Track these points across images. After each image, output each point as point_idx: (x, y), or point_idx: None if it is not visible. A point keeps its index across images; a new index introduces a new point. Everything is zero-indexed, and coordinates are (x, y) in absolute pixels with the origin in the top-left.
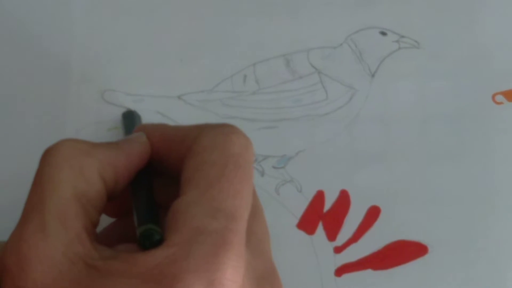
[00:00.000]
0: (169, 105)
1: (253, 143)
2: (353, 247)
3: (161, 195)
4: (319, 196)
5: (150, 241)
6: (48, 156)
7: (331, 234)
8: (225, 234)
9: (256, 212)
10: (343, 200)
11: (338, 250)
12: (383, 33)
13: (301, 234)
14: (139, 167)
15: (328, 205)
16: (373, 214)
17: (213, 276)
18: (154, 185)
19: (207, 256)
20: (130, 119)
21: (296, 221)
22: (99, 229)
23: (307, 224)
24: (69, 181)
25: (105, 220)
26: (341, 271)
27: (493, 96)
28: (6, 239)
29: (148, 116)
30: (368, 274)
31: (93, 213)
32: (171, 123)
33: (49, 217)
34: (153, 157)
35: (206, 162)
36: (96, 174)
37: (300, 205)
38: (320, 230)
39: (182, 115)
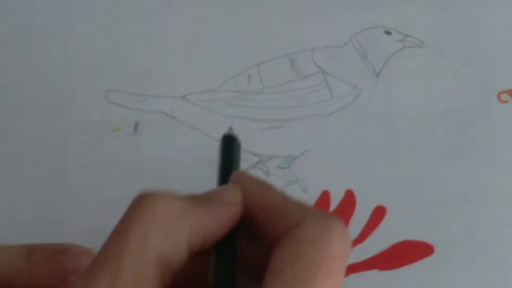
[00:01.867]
0: (174, 105)
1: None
2: (359, 247)
3: (243, 249)
4: (325, 196)
5: None
6: (139, 208)
7: None
8: None
9: None
10: (349, 200)
11: None
12: (388, 33)
13: None
14: (228, 230)
15: (333, 205)
16: (379, 214)
17: None
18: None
19: None
20: (229, 145)
21: None
22: None
23: None
24: (156, 244)
25: None
26: (347, 271)
27: (498, 95)
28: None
29: (152, 116)
30: (374, 275)
31: (169, 279)
32: (175, 123)
33: (123, 282)
34: (244, 214)
35: (301, 258)
36: (185, 240)
37: None
38: None
39: (187, 115)
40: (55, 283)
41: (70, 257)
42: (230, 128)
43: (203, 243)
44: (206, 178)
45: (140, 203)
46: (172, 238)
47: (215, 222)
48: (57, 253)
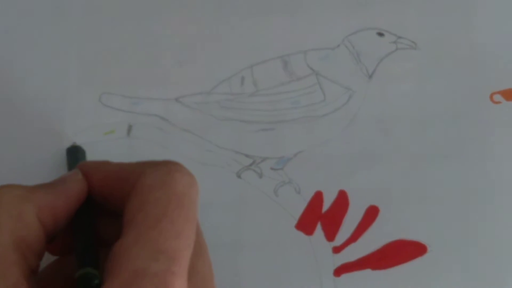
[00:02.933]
0: (167, 108)
1: (198, 182)
2: (352, 247)
3: (107, 234)
4: (318, 197)
5: (88, 285)
6: None
7: (330, 234)
8: (167, 277)
9: (200, 250)
10: (342, 200)
11: (337, 250)
12: (381, 34)
13: (300, 234)
14: (77, 206)
15: (326, 205)
16: (371, 214)
17: None
18: (99, 223)
19: None
20: (74, 154)
21: (294, 222)
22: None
23: (305, 224)
24: (8, 228)
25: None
26: (340, 271)
27: (491, 96)
28: None
29: (146, 119)
30: (367, 274)
31: (32, 259)
32: (169, 126)
33: None
34: (97, 196)
35: (148, 201)
36: (35, 219)
37: (298, 206)
38: (318, 230)
39: (180, 118)
40: None
41: None
42: (74, 143)
43: (55, 220)
44: (199, 180)
45: None
46: (22, 220)
47: (61, 199)
48: None
